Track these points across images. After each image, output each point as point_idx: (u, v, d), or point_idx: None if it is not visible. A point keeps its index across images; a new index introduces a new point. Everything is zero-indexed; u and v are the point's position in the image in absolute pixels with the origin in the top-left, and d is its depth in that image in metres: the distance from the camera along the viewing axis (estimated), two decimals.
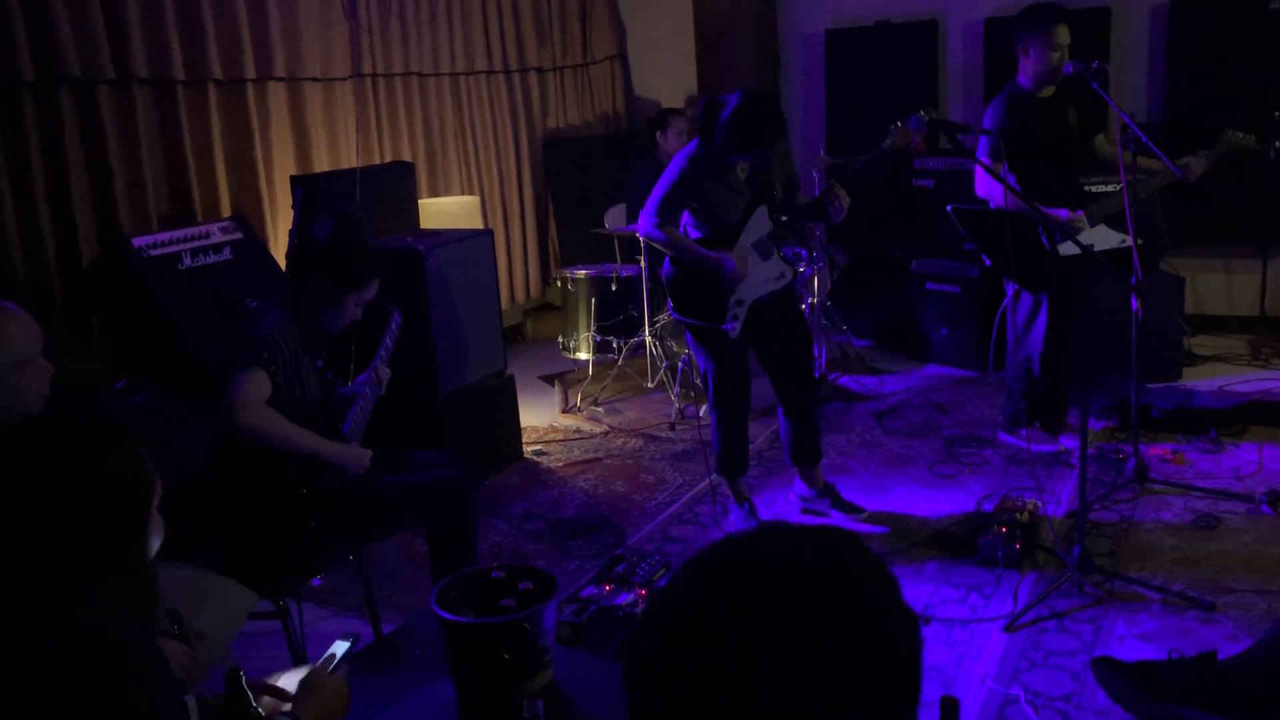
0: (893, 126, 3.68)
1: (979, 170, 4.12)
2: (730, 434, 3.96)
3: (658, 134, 6.24)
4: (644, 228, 3.76)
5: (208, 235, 4.18)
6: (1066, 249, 4.07)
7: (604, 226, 6.18)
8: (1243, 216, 5.89)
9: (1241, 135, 4.13)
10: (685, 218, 3.80)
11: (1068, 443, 4.51)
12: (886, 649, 0.88)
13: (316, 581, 3.46)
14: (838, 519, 3.98)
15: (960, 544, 3.76)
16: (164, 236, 4.07)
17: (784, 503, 4.23)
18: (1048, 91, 4.23)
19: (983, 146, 4.17)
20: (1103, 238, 4.11)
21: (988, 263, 4.39)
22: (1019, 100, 4.22)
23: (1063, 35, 4.12)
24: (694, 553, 0.95)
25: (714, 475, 4.11)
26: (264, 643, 3.03)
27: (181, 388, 3.77)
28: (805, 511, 4.11)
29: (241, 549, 2.84)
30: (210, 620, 2.34)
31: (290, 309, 2.94)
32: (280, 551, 2.81)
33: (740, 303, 3.71)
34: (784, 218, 3.78)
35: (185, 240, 4.11)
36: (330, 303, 2.92)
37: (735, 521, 4.02)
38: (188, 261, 4.09)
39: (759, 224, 3.75)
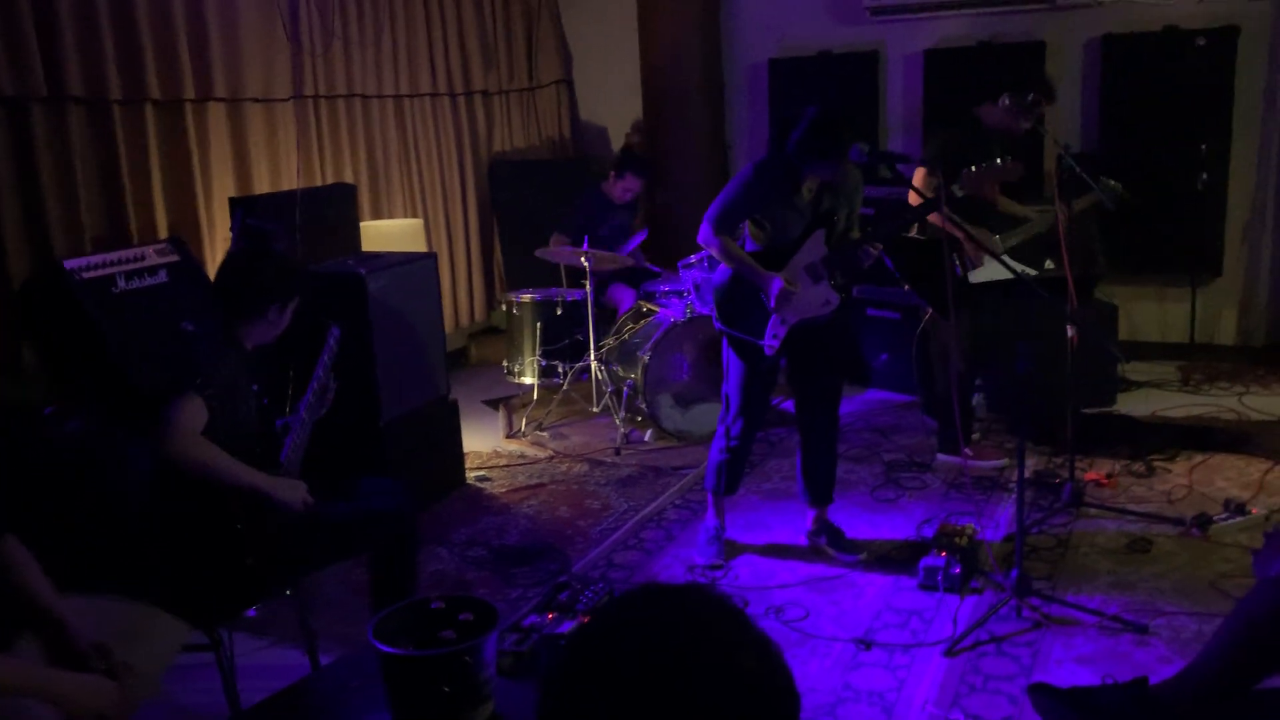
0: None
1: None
2: (738, 450, 3.93)
3: (612, 172, 6.14)
4: (703, 234, 3.73)
5: (143, 258, 4.11)
6: (976, 276, 4.45)
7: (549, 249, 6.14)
8: (1174, 246, 6.05)
9: (1114, 182, 4.45)
10: (743, 229, 3.78)
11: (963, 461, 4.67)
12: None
13: (251, 612, 3.40)
14: (840, 558, 3.92)
15: (901, 568, 3.79)
16: (98, 259, 3.98)
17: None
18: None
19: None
20: (996, 269, 4.24)
21: (905, 288, 4.57)
22: (970, 128, 4.57)
23: (1040, 109, 4.53)
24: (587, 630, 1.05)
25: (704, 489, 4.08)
26: (196, 675, 2.96)
27: (116, 413, 3.68)
28: (811, 547, 4.04)
29: (177, 580, 2.78)
30: (141, 654, 2.27)
31: (220, 330, 2.92)
32: (216, 585, 2.75)
33: (784, 322, 3.69)
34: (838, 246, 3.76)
35: (120, 263, 4.03)
36: (255, 317, 2.94)
37: (709, 526, 4.02)
38: (122, 284, 4.01)
39: (815, 247, 3.71)
